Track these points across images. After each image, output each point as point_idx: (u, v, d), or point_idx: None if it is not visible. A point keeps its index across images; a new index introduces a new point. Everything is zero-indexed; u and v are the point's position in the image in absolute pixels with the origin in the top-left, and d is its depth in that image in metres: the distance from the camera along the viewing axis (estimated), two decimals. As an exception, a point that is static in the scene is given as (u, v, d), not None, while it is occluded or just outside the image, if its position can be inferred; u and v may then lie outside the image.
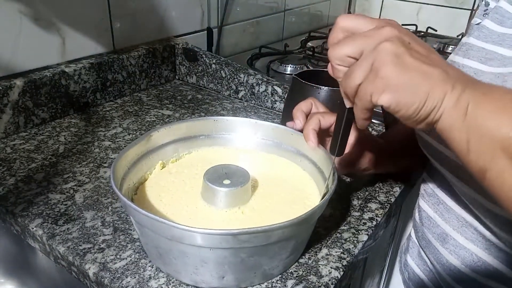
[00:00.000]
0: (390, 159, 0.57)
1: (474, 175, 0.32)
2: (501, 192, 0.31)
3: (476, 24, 0.49)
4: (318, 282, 0.43)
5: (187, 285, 0.43)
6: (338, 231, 0.50)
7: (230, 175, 0.48)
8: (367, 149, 0.54)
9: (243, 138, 0.58)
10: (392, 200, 0.57)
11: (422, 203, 0.55)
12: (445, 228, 0.50)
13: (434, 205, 0.52)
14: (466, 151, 0.32)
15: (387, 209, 0.55)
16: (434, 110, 0.33)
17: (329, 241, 0.49)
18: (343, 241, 0.49)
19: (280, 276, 0.44)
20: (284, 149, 0.56)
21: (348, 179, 0.62)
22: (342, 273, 0.45)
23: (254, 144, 0.57)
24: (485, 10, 0.49)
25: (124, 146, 0.67)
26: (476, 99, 0.31)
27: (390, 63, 0.34)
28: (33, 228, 0.49)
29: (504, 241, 0.43)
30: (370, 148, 0.54)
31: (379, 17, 1.63)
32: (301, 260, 0.46)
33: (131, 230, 0.49)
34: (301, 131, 0.52)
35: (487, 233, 0.45)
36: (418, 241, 0.56)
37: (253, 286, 0.43)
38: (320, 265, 0.45)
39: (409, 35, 0.36)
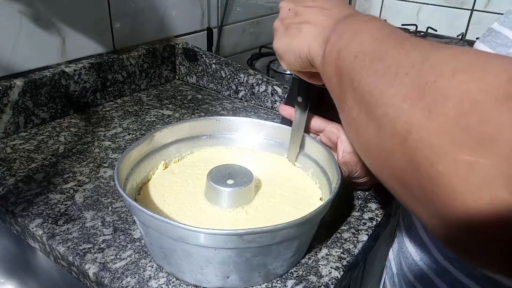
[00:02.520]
0: None
1: (341, 120, 0.36)
2: (353, 138, 0.34)
3: None
4: (318, 282, 0.43)
5: (187, 285, 0.43)
6: (338, 231, 0.50)
7: (234, 175, 0.48)
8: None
9: (245, 138, 0.58)
10: (392, 200, 0.57)
11: None
12: (413, 218, 0.49)
13: None
14: (330, 89, 0.37)
15: (387, 209, 0.55)
16: (309, 59, 0.41)
17: (329, 241, 0.49)
18: (343, 241, 0.49)
19: (279, 276, 0.44)
20: (287, 149, 0.56)
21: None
22: (342, 273, 0.45)
23: (256, 144, 0.57)
24: None
25: (124, 146, 0.67)
26: (340, 46, 0.35)
27: (274, 37, 0.47)
28: (33, 228, 0.49)
29: None
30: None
31: (379, 17, 1.63)
32: (301, 260, 0.46)
33: (131, 230, 0.49)
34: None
35: None
36: (397, 232, 0.56)
37: (258, 285, 0.43)
38: (320, 265, 0.45)
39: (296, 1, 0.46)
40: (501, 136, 0.20)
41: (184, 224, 0.36)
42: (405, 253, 0.48)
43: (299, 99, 0.53)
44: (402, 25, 1.49)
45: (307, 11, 0.43)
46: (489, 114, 0.21)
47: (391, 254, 0.56)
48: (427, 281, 0.43)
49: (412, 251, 0.47)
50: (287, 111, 0.58)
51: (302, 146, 0.55)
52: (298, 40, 0.42)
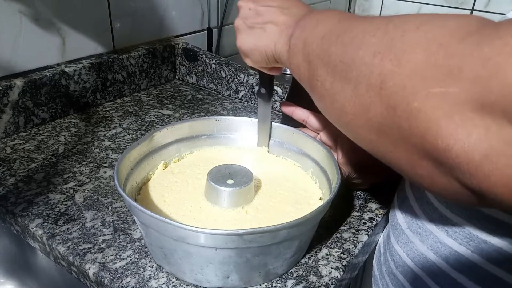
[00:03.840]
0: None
1: (314, 99, 0.38)
2: (328, 108, 0.35)
3: None
4: (318, 282, 0.43)
5: (187, 285, 0.43)
6: (338, 231, 0.50)
7: (233, 175, 0.48)
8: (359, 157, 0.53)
9: (245, 137, 0.58)
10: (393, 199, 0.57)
11: None
12: (407, 192, 0.49)
13: None
14: (299, 77, 0.39)
15: (387, 209, 0.55)
16: (276, 56, 0.43)
17: (329, 241, 0.49)
18: (343, 241, 0.49)
19: (280, 275, 0.44)
20: (286, 148, 0.56)
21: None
22: (342, 273, 0.45)
23: (256, 144, 0.57)
24: None
25: (124, 146, 0.67)
26: (305, 35, 0.37)
27: (237, 36, 0.48)
28: (33, 228, 0.49)
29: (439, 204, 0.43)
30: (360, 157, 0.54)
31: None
32: (301, 260, 0.46)
33: (131, 230, 0.49)
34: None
35: (435, 202, 0.44)
36: (390, 212, 0.55)
37: (258, 285, 0.43)
38: (320, 265, 0.45)
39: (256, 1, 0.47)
40: (466, 66, 0.23)
41: (184, 224, 0.36)
42: (395, 226, 0.49)
43: (262, 90, 0.54)
44: (402, 25, 1.48)
45: (268, 11, 0.45)
46: (454, 50, 0.24)
47: (381, 239, 0.56)
48: (412, 247, 0.44)
49: (402, 222, 0.48)
50: (288, 108, 0.58)
51: (272, 133, 0.57)
52: (263, 39, 0.44)
